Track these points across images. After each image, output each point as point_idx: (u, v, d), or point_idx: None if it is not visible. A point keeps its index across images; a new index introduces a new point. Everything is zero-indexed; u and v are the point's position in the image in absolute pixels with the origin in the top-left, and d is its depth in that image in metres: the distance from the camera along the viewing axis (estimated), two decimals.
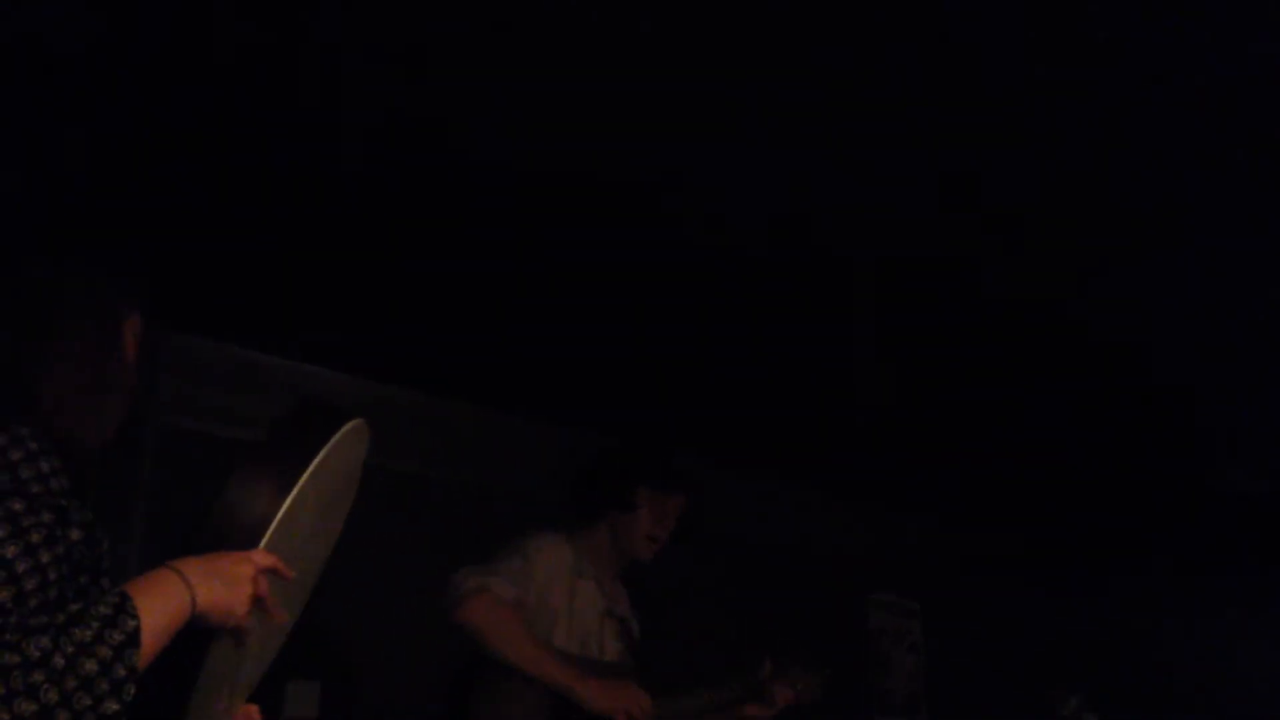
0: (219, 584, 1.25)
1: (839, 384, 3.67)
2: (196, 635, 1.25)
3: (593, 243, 2.77)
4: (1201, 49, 1.99)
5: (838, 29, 1.98)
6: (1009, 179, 2.47)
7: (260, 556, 1.31)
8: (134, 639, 1.13)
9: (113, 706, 1.10)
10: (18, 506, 1.16)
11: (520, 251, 2.82)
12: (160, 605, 1.19)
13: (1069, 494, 4.57)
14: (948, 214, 2.63)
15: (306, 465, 1.37)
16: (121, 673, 1.11)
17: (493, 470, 3.78)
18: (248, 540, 1.32)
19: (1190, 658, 5.39)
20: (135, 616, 1.14)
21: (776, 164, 2.43)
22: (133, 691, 1.12)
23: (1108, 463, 4.20)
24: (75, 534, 1.21)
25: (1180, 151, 2.33)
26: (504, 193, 2.55)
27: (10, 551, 1.13)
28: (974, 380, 3.59)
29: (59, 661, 1.07)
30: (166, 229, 2.65)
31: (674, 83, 2.15)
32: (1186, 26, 1.93)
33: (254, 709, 1.56)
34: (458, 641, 2.38)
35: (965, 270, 2.89)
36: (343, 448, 1.48)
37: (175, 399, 3.24)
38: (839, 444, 4.21)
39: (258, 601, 1.31)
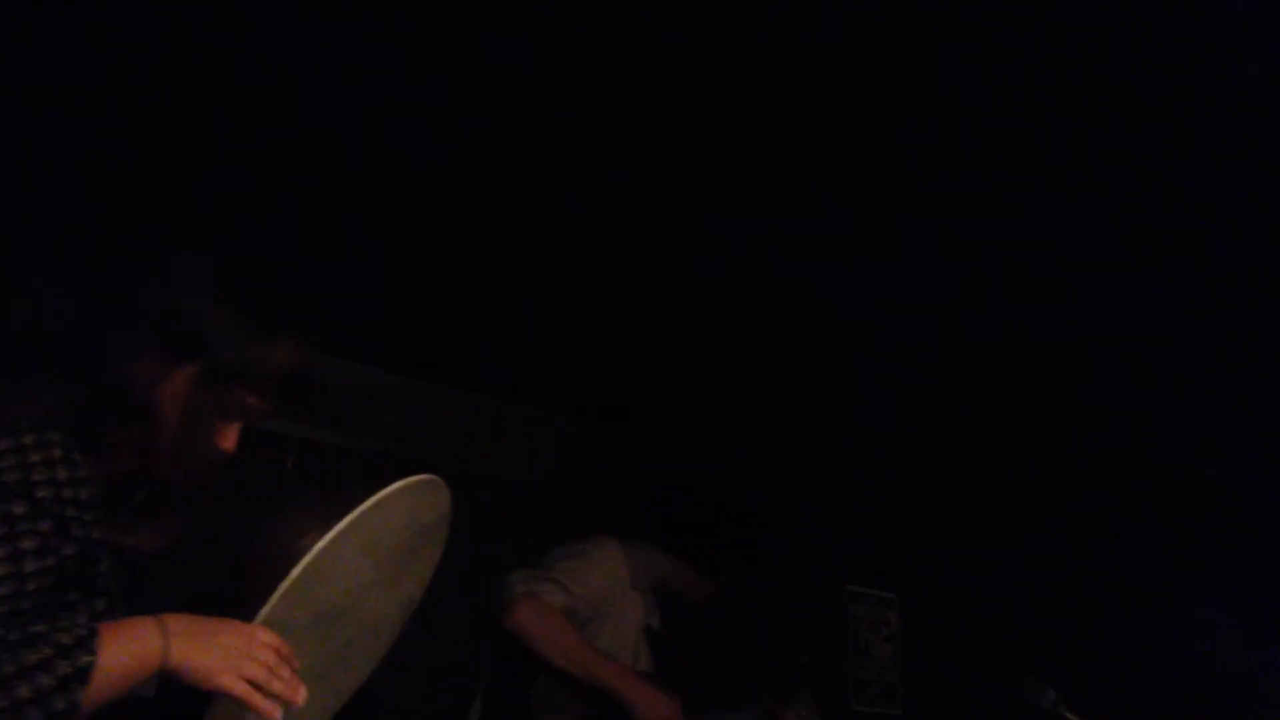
0: (200, 646, 1.20)
1: (825, 381, 3.68)
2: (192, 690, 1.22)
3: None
4: None
5: None
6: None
7: (264, 634, 1.25)
8: (82, 675, 1.10)
9: None
10: (18, 510, 1.15)
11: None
12: (126, 649, 1.16)
13: (1047, 486, 4.60)
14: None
15: (345, 515, 1.33)
16: (60, 705, 1.08)
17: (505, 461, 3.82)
18: (273, 575, 1.28)
19: (1164, 650, 5.43)
20: (93, 654, 1.12)
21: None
22: None
23: (1083, 455, 4.22)
24: (70, 549, 1.19)
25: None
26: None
27: None
28: (954, 376, 3.61)
29: None
30: None
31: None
32: None
33: None
34: (495, 638, 2.45)
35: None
36: (404, 502, 1.43)
37: None
38: (823, 438, 4.23)
39: (258, 686, 1.23)
